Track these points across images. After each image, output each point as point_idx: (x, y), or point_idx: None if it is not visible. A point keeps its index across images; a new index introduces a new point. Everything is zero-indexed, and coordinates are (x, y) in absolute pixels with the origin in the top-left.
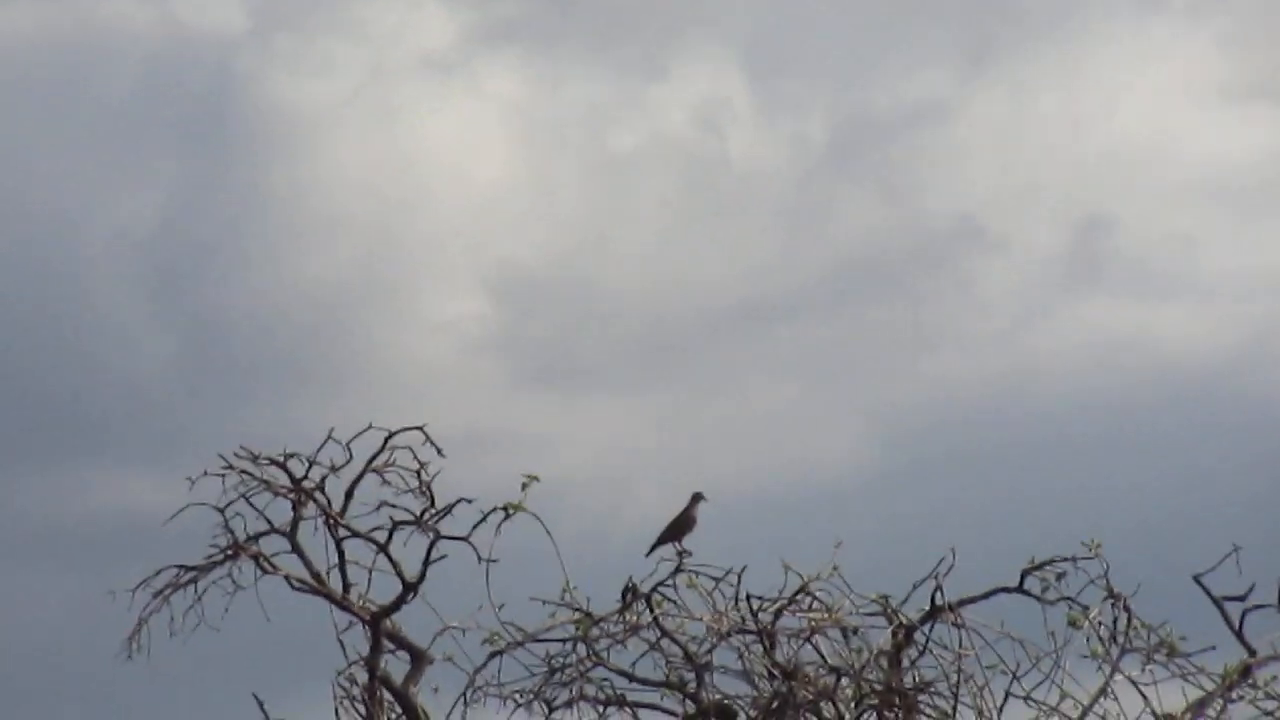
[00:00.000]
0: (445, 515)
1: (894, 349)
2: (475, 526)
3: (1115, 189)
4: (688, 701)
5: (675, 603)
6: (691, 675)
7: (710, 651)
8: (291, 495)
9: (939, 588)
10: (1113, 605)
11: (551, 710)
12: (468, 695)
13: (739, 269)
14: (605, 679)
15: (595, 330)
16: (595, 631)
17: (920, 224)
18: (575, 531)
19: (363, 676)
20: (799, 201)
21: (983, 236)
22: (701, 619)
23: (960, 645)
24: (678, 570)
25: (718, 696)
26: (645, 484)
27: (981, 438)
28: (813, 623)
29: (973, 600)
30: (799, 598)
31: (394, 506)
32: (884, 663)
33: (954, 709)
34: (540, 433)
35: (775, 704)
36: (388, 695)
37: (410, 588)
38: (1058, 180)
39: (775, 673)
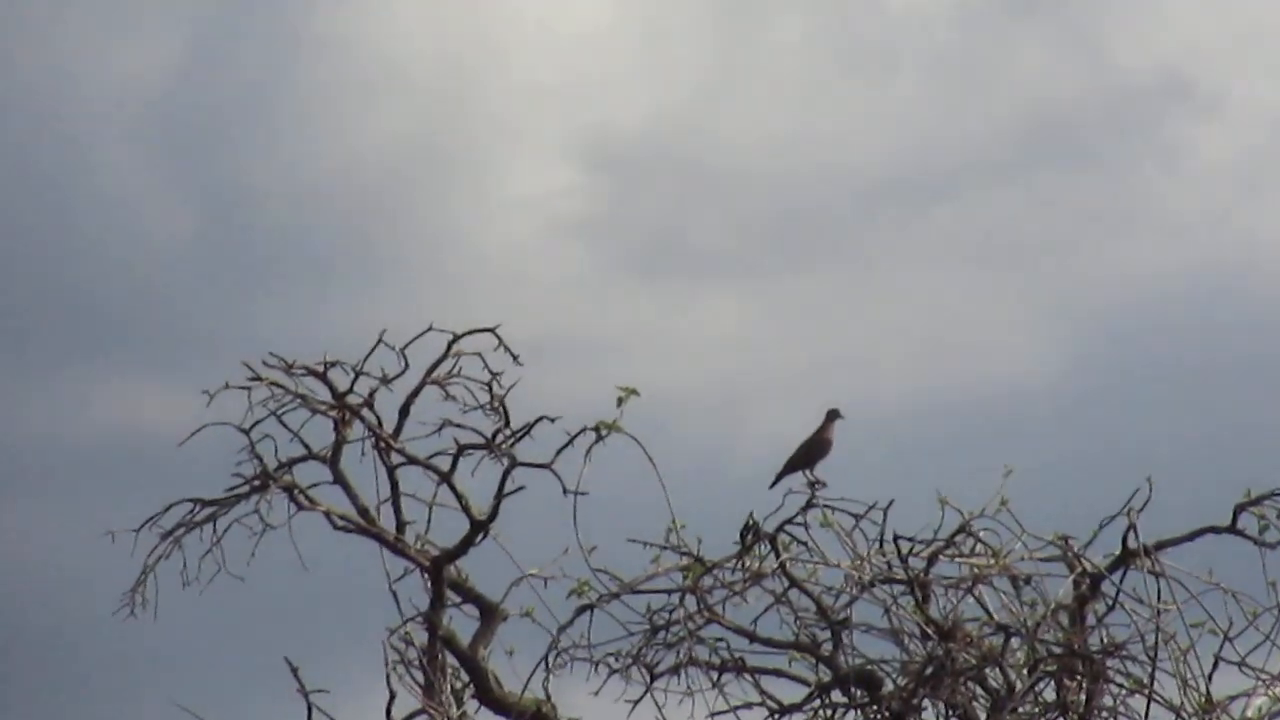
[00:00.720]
0: (523, 437)
1: (1082, 235)
2: (560, 451)
3: None
4: (821, 666)
5: (806, 545)
6: (826, 634)
7: (849, 605)
8: (333, 413)
9: (1132, 527)
10: None
11: (654, 677)
12: (550, 659)
13: (891, 136)
14: (720, 639)
15: (712, 211)
16: (708, 581)
17: (1113, 80)
18: (684, 458)
19: (421, 635)
20: (964, 53)
21: (1191, 95)
22: (839, 565)
23: (1159, 598)
24: (809, 505)
25: (858, 660)
26: (771, 401)
27: (1188, 345)
28: (976, 570)
29: (1175, 542)
30: (958, 539)
31: (460, 427)
32: (1064, 620)
33: (1151, 677)
34: (642, 336)
35: (929, 670)
36: (451, 658)
37: (480, 527)
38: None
39: (929, 631)
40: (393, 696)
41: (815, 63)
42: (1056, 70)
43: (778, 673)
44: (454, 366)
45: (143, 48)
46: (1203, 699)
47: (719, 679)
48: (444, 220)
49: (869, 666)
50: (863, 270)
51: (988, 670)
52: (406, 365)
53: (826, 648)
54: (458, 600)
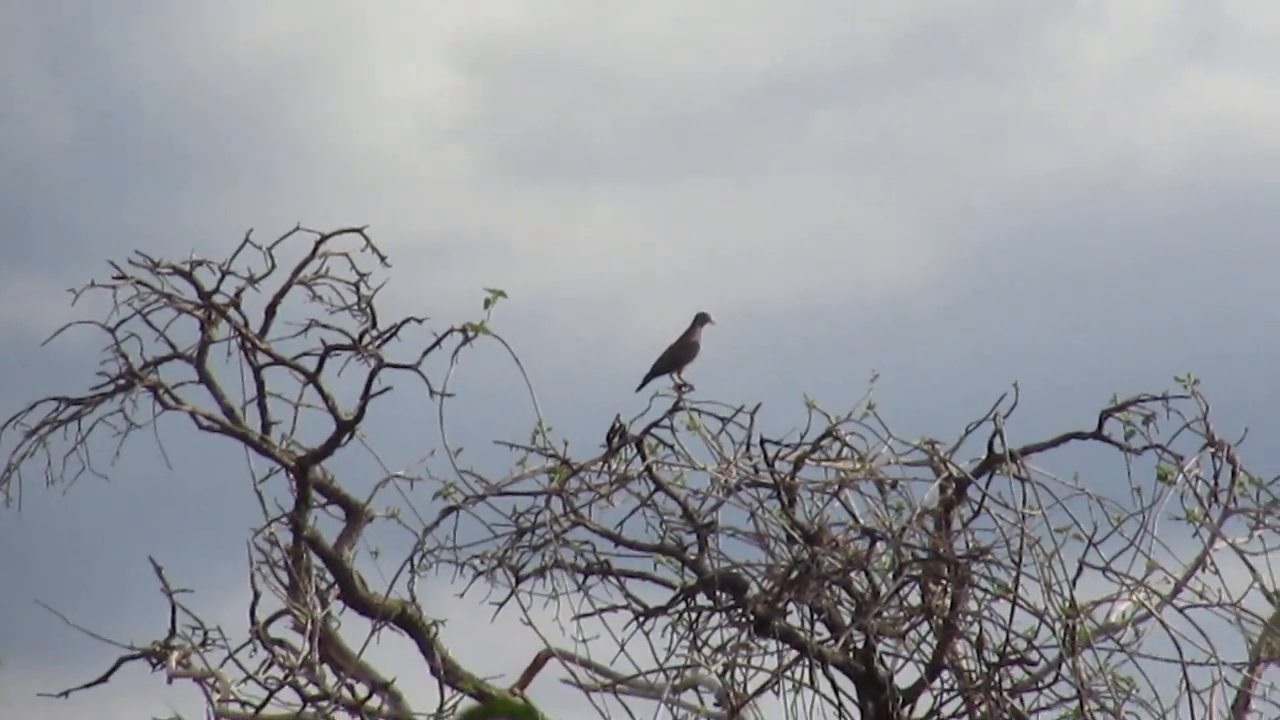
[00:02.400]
0: (390, 338)
1: (963, 142)
2: (426, 353)
3: None
4: (687, 570)
5: (673, 449)
6: (692, 538)
7: (715, 509)
8: (199, 312)
9: (998, 432)
10: (1213, 455)
11: (520, 579)
12: (415, 560)
13: (775, 40)
14: (586, 542)
15: (593, 113)
16: (574, 483)
17: None
18: (561, 361)
19: (286, 536)
20: None
21: (1072, 4)
22: (705, 469)
23: (1024, 503)
24: (676, 408)
25: (724, 564)
26: (649, 305)
27: (1063, 249)
28: (842, 474)
29: (1040, 448)
30: (825, 443)
31: (326, 328)
32: (929, 524)
33: (1016, 581)
34: (518, 239)
35: (795, 573)
36: (316, 559)
37: (346, 427)
38: None
39: (795, 535)
40: (257, 596)
41: None
42: None
43: (643, 576)
44: (321, 267)
45: None
46: (1067, 604)
47: (584, 582)
48: (318, 121)
49: (734, 570)
50: (745, 173)
51: (853, 574)
52: (273, 265)
53: (692, 551)
54: (323, 501)
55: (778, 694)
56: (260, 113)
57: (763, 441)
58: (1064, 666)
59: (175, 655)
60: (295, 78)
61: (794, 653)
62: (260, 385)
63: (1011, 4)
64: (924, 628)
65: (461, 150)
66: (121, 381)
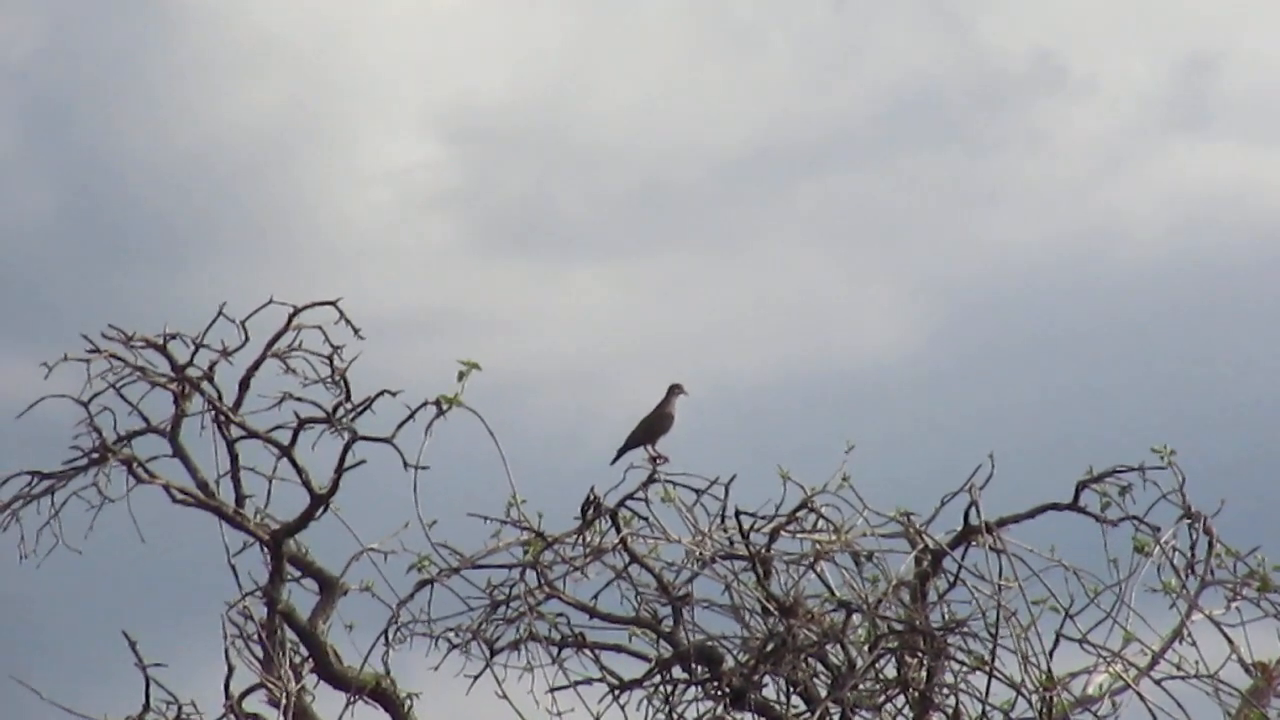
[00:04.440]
0: (364, 411)
1: (944, 210)
2: (401, 426)
3: (1226, 22)
4: (662, 642)
5: (648, 521)
6: (667, 610)
7: (690, 581)
8: (173, 386)
9: (974, 504)
10: (1190, 526)
11: (494, 652)
12: (390, 633)
13: (756, 111)
14: (560, 614)
15: (575, 186)
16: (549, 556)
17: (981, 59)
18: (536, 435)
19: (260, 610)
20: (831, 29)
21: (1058, 75)
22: (680, 541)
23: (1000, 575)
24: (650, 480)
25: (699, 637)
26: (630, 378)
27: (1041, 318)
28: (817, 546)
29: (1017, 519)
30: (800, 515)
31: (300, 401)
32: (905, 596)
33: (992, 654)
34: (496, 312)
35: (770, 646)
36: (290, 633)
37: (320, 501)
38: (1158, 9)
39: (770, 608)
40: (231, 671)
41: (682, 35)
42: (925, 49)
43: (618, 648)
44: (295, 340)
45: (6, 19)
46: (1044, 676)
47: (559, 654)
48: (298, 194)
49: (710, 643)
50: (725, 246)
51: (829, 647)
52: (247, 338)
53: (667, 624)
54: (297, 574)
55: None
56: (241, 187)
57: (738, 513)
58: None
59: None
60: (278, 152)
61: None
62: (234, 459)
63: (1001, 75)
64: (900, 700)
65: (441, 222)
66: (95, 455)
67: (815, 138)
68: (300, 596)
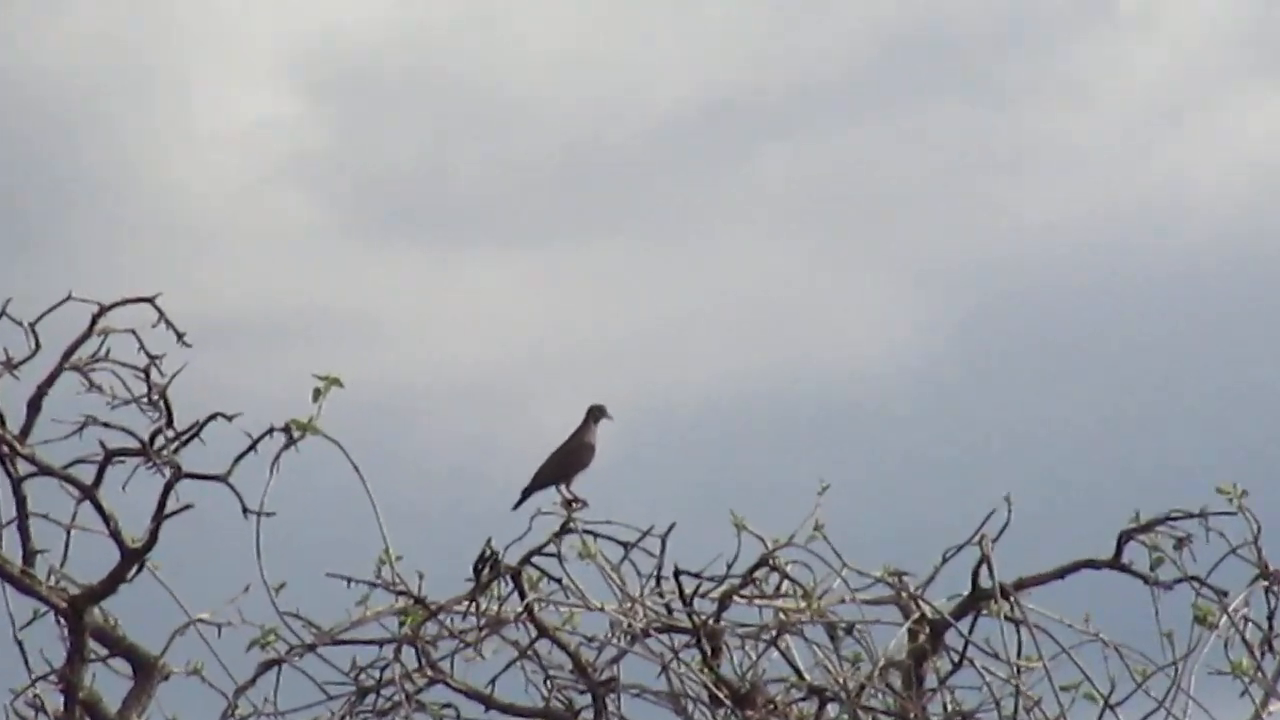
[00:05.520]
0: (190, 440)
1: (953, 180)
2: (239, 459)
3: None
4: None
5: (560, 583)
6: (586, 699)
7: (616, 661)
8: None
9: (985, 560)
10: (1267, 590)
11: None
12: None
13: (708, 57)
14: (448, 704)
15: (475, 152)
16: (432, 628)
17: None
18: (419, 470)
19: (55, 699)
20: None
21: (1110, 11)
22: (603, 609)
23: (1020, 653)
24: (565, 530)
25: None
26: (541, 398)
27: (1080, 318)
28: (781, 616)
29: (1041, 580)
30: (759, 575)
31: (108, 426)
32: (896, 681)
33: None
34: (375, 313)
35: None
36: None
37: (133, 557)
38: None
39: (720, 695)
40: None
41: None
42: None
43: None
44: (101, 347)
45: None
46: None
47: None
48: (112, 157)
49: None
50: (667, 229)
51: None
52: (38, 346)
53: (586, 716)
54: (104, 653)
55: None
56: (39, 149)
57: (677, 573)
58: None
59: None
60: (85, 104)
61: None
62: (21, 502)
63: (1028, 7)
64: None
65: (300, 196)
66: None
67: (785, 90)
68: (107, 681)
